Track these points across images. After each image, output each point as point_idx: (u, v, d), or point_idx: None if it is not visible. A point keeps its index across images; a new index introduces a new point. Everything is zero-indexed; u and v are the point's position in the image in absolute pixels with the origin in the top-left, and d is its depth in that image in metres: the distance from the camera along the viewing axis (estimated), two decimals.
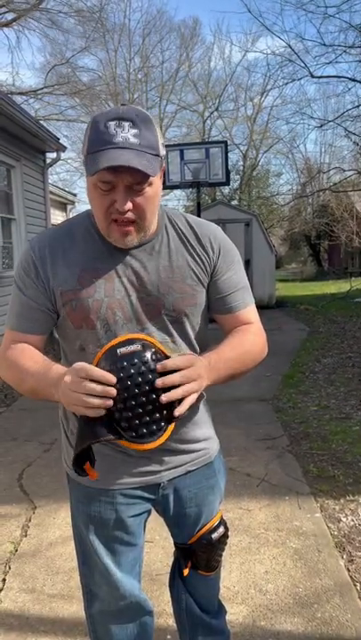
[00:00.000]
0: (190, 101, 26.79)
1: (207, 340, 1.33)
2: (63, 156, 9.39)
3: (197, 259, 1.24)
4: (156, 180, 1.13)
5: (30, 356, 1.20)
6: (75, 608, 2.09)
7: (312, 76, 10.23)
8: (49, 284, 1.19)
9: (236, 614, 2.01)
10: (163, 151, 1.13)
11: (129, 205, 1.09)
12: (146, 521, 1.39)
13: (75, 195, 16.50)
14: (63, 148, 8.82)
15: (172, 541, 1.45)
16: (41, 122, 9.90)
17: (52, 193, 10.78)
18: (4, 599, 2.17)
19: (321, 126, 13.07)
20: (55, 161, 9.07)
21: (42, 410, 4.84)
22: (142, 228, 1.15)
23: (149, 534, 2.45)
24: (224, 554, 1.46)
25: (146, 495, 1.32)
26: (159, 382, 1.03)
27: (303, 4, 9.32)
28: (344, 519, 2.72)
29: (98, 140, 1.06)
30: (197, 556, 1.39)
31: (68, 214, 15.76)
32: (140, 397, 1.02)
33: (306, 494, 3.00)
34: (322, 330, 8.96)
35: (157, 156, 1.10)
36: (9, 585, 2.27)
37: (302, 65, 9.86)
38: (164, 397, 1.03)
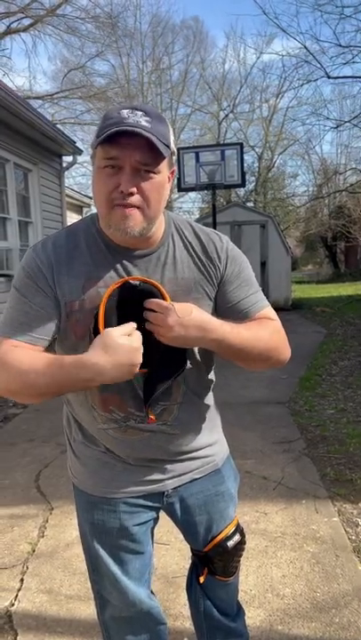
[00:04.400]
0: (205, 103, 26.81)
1: (212, 357, 1.29)
2: (79, 159, 9.45)
3: (203, 270, 1.19)
4: (164, 171, 1.09)
5: (32, 357, 1.08)
6: (92, 609, 2.09)
7: (328, 77, 10.18)
8: (55, 292, 1.13)
9: (253, 618, 1.99)
10: (173, 147, 1.10)
11: (134, 188, 1.04)
12: (153, 528, 1.38)
13: (91, 198, 16.59)
14: (79, 152, 8.89)
15: (187, 545, 1.45)
16: (57, 125, 9.99)
17: (68, 196, 10.86)
18: (21, 599, 2.19)
19: (337, 127, 12.99)
20: (71, 164, 9.15)
21: (59, 411, 4.85)
22: (146, 216, 1.08)
23: (165, 537, 2.46)
24: (242, 559, 1.45)
25: (150, 504, 1.30)
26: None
27: (320, 5, 9.28)
28: None
29: (106, 124, 1.02)
30: (214, 562, 1.38)
31: (83, 217, 15.84)
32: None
33: (323, 498, 2.97)
34: (339, 332, 8.88)
35: (168, 147, 1.06)
36: (27, 585, 2.28)
37: (318, 66, 9.82)
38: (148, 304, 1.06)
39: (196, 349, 1.22)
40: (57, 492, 3.17)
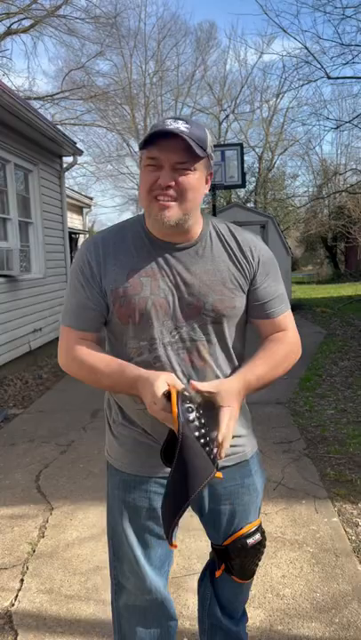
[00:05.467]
0: (206, 104, 26.83)
1: (244, 343, 1.40)
2: (79, 160, 9.47)
3: (238, 265, 1.31)
4: (201, 170, 1.21)
5: (99, 358, 1.28)
6: (92, 610, 2.10)
7: (328, 77, 10.15)
8: (101, 282, 1.28)
9: (253, 618, 1.99)
10: (211, 153, 1.22)
11: (171, 182, 1.17)
12: None
13: (91, 198, 16.63)
14: (80, 152, 8.89)
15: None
16: (57, 126, 9.99)
17: (68, 197, 10.88)
18: (22, 599, 2.19)
19: (337, 127, 12.95)
20: (72, 165, 9.16)
21: (59, 412, 4.88)
22: (182, 208, 1.20)
23: None
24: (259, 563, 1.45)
25: None
26: (220, 438, 1.15)
27: (321, 4, 9.24)
28: None
29: (151, 131, 1.17)
30: (231, 559, 1.39)
31: (84, 218, 15.88)
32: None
33: (323, 498, 2.97)
34: (339, 332, 8.88)
35: (204, 150, 1.19)
36: (27, 585, 2.29)
37: (318, 66, 9.78)
38: (221, 437, 1.16)
39: (229, 342, 1.33)
40: (57, 493, 3.18)
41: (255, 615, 2.02)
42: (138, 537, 1.36)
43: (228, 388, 1.22)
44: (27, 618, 2.08)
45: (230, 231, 1.34)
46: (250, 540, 1.38)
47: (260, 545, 1.41)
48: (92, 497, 3.10)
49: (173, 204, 1.19)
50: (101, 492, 3.15)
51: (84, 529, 2.75)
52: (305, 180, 35.98)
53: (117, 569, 1.41)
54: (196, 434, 1.11)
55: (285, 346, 1.35)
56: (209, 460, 1.12)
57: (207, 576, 1.51)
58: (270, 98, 25.12)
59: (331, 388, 5.36)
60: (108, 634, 1.95)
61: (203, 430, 1.13)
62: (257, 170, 26.95)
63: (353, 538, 2.57)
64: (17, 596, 2.22)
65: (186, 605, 2.09)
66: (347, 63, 9.64)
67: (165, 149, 1.16)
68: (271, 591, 2.18)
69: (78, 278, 1.30)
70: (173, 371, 1.27)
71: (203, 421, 1.15)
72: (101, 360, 1.27)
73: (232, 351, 1.34)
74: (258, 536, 1.40)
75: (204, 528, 1.48)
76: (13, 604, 2.16)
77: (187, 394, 1.17)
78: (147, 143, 1.17)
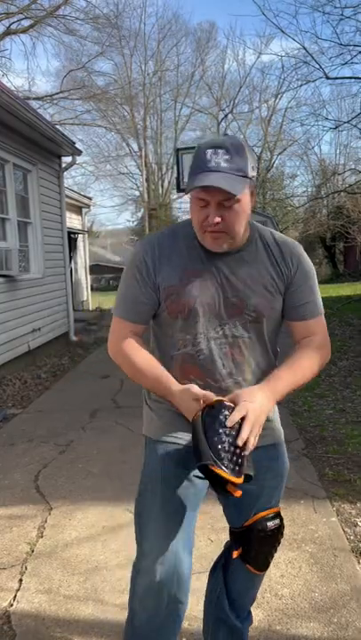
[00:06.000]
0: (205, 104, 26.82)
1: (277, 340, 1.52)
2: (78, 159, 9.45)
3: (278, 270, 1.42)
4: (245, 197, 1.32)
5: (143, 358, 1.42)
6: (90, 610, 2.10)
7: (327, 78, 10.15)
8: (156, 279, 1.40)
9: None
10: (252, 173, 1.31)
11: (218, 219, 1.30)
12: (201, 499, 1.48)
13: (90, 198, 16.60)
14: (79, 152, 8.89)
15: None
16: (56, 126, 9.98)
17: (67, 197, 10.86)
18: (20, 600, 2.19)
19: (336, 128, 12.95)
20: (71, 165, 9.15)
21: (58, 412, 4.88)
22: (231, 237, 1.35)
23: None
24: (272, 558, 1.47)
25: None
26: (239, 442, 1.23)
27: (320, 4, 9.23)
28: None
29: (196, 166, 1.29)
30: (249, 543, 1.43)
31: (83, 217, 15.86)
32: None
33: (322, 498, 2.98)
34: (337, 332, 8.88)
35: (245, 177, 1.29)
36: (25, 585, 2.28)
37: (317, 66, 9.78)
38: (240, 441, 1.23)
39: (266, 338, 1.45)
40: (56, 493, 3.18)
41: (254, 615, 2.00)
42: (164, 505, 1.41)
43: (249, 390, 1.33)
44: (25, 618, 2.08)
45: (274, 239, 1.45)
46: (270, 523, 1.44)
47: (279, 531, 1.46)
48: (91, 497, 3.10)
49: (222, 235, 1.33)
50: (100, 492, 3.16)
51: (82, 529, 2.75)
52: (304, 179, 35.96)
53: (142, 533, 1.46)
54: (222, 432, 1.22)
55: (312, 352, 1.45)
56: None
57: (219, 568, 1.56)
58: (269, 98, 25.14)
59: (330, 388, 5.36)
60: (106, 634, 1.95)
61: (231, 433, 1.23)
62: (256, 169, 26.91)
63: (351, 538, 2.57)
64: (15, 596, 2.22)
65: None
66: (345, 63, 9.66)
67: (210, 191, 1.27)
68: (270, 591, 2.18)
69: (134, 274, 1.42)
70: (213, 363, 1.40)
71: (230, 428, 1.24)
72: (143, 359, 1.41)
73: (268, 346, 1.47)
74: (278, 520, 1.46)
75: (223, 511, 1.53)
76: (12, 605, 2.16)
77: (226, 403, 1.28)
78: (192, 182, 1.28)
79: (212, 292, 1.38)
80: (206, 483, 1.39)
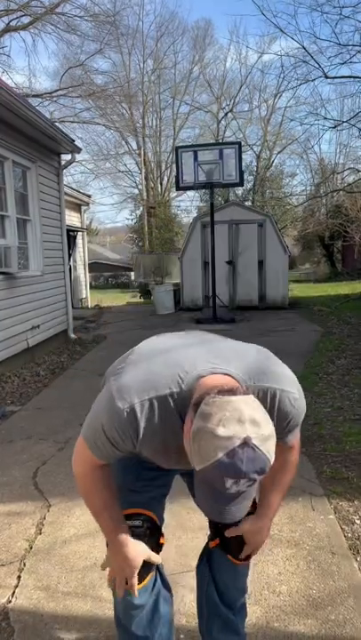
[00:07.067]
0: (204, 102, 26.80)
1: None
2: (78, 157, 9.44)
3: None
4: None
5: (105, 498, 1.40)
6: (89, 606, 2.11)
7: (326, 77, 10.17)
8: (135, 450, 1.30)
9: (249, 615, 1.99)
10: (272, 456, 1.04)
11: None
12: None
13: (89, 196, 16.60)
14: (78, 150, 8.87)
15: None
16: (56, 124, 9.97)
17: (66, 194, 10.85)
18: (18, 596, 2.20)
19: (335, 127, 12.98)
20: (70, 162, 9.13)
21: (56, 409, 4.89)
22: None
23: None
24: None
25: None
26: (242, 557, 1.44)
27: (319, 4, 9.25)
28: (358, 521, 2.70)
29: (211, 490, 1.03)
30: (222, 533, 1.45)
31: (82, 215, 15.86)
32: None
33: (319, 496, 2.99)
34: (335, 331, 8.90)
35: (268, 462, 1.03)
36: (24, 582, 2.29)
37: (316, 66, 9.80)
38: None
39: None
40: (54, 490, 3.18)
41: (251, 612, 2.03)
42: (141, 471, 1.50)
43: (258, 529, 1.45)
44: (23, 614, 2.08)
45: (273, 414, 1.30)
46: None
47: None
48: None
49: None
50: None
51: (81, 526, 2.75)
52: (303, 178, 36.01)
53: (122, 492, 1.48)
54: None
55: (290, 467, 1.50)
56: None
57: (204, 561, 1.58)
58: (269, 97, 25.12)
59: (327, 386, 5.37)
60: (104, 630, 1.96)
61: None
62: (255, 168, 26.96)
63: (349, 535, 2.58)
64: (14, 592, 2.22)
65: (183, 602, 2.09)
66: (344, 63, 9.69)
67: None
68: (267, 588, 2.19)
69: (114, 441, 1.28)
70: None
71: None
72: (105, 501, 1.39)
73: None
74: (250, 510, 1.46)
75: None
76: (10, 601, 2.17)
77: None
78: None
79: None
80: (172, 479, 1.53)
